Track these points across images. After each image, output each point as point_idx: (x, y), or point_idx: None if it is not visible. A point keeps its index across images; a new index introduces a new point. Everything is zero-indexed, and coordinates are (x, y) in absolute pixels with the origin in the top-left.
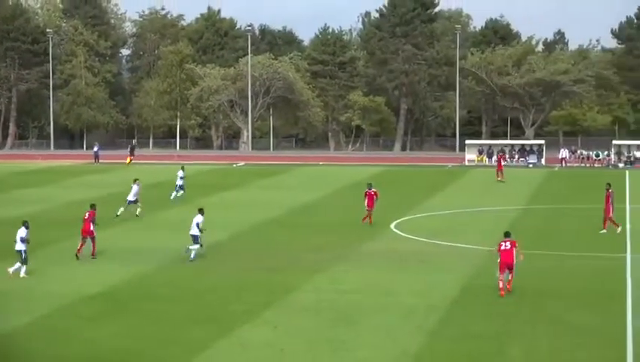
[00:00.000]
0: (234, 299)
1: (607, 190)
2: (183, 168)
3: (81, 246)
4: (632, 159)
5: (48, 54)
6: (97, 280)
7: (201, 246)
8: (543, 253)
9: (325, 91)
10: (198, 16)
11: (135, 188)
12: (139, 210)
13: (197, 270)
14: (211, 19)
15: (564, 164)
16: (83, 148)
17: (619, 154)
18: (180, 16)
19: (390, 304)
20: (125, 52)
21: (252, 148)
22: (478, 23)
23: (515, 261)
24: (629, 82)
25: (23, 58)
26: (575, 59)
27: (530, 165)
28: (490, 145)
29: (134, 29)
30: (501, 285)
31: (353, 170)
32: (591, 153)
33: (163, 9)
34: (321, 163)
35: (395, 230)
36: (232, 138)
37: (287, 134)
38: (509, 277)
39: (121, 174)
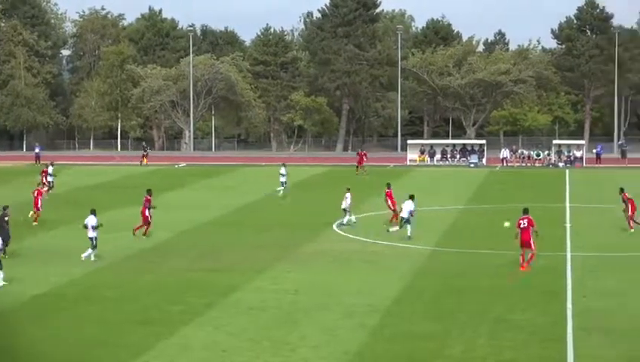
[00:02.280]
0: (176, 300)
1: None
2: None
3: (140, 227)
4: (571, 158)
5: None
6: (41, 281)
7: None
8: (483, 251)
9: (267, 92)
10: (139, 16)
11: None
12: None
13: (139, 271)
14: (152, 19)
15: (505, 164)
16: (23, 149)
17: (559, 153)
18: (121, 16)
19: (332, 303)
20: (65, 52)
21: (194, 149)
22: (419, 24)
23: (532, 239)
24: (568, 82)
25: None
26: (515, 60)
27: (472, 165)
28: (431, 145)
29: (74, 29)
30: (521, 260)
31: (295, 171)
32: (531, 153)
33: (103, 9)
34: (263, 163)
35: (336, 230)
36: (173, 139)
37: (229, 135)
38: (530, 255)
39: (61, 175)
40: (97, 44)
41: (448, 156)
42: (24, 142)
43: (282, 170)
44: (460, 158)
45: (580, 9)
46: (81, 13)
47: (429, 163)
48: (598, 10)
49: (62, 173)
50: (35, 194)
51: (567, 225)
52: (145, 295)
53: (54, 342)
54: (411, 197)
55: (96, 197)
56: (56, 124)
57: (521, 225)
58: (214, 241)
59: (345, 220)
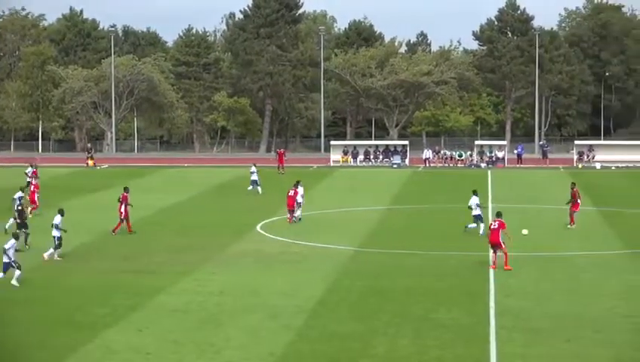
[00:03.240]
0: (99, 302)
1: (573, 188)
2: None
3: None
4: (493, 159)
5: None
6: None
7: (58, 246)
8: (407, 252)
9: (190, 92)
10: (60, 16)
11: None
12: None
13: (61, 272)
14: (73, 19)
15: (427, 164)
16: None
17: (481, 154)
18: (41, 17)
19: (256, 305)
20: None
21: (116, 150)
22: (341, 25)
23: (501, 240)
24: (490, 83)
25: None
26: (437, 61)
27: (395, 166)
28: (355, 146)
29: None
30: (492, 259)
31: (219, 172)
32: (454, 153)
33: (23, 9)
34: (186, 164)
35: (260, 231)
36: (95, 140)
37: (151, 136)
38: (504, 256)
39: None
40: (17, 44)
41: (371, 157)
42: None
43: (253, 169)
44: (383, 159)
45: (500, 10)
46: (1, 13)
47: (352, 163)
48: (518, 12)
49: None
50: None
51: (490, 226)
52: (68, 297)
53: None
54: (474, 193)
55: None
56: None
57: (492, 227)
58: (137, 243)
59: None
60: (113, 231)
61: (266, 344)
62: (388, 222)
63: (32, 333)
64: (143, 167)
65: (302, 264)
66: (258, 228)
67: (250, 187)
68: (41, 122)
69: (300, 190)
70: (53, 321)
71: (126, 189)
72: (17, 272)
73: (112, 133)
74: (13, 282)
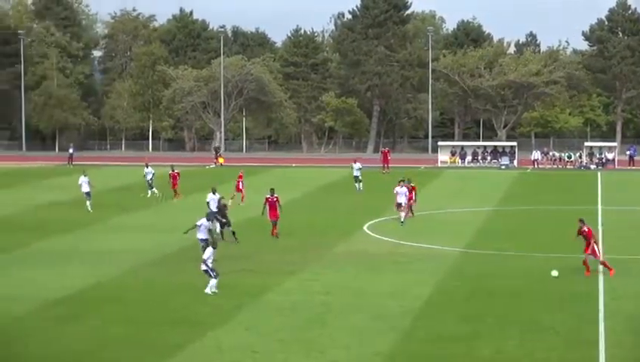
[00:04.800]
0: (206, 301)
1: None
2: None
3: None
4: (603, 160)
5: (20, 55)
6: (66, 284)
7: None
8: (514, 253)
9: (298, 93)
10: (170, 17)
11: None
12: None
13: (168, 272)
14: (183, 20)
15: (536, 166)
16: (55, 149)
17: (590, 155)
18: (152, 17)
19: (362, 305)
20: (97, 53)
21: (225, 150)
22: (450, 25)
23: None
24: (600, 84)
25: None
26: (546, 61)
27: (503, 167)
28: (462, 147)
29: (106, 31)
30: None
31: (326, 172)
32: (563, 155)
33: (134, 10)
34: (293, 164)
35: (367, 231)
36: (204, 140)
37: (259, 136)
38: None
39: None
40: (129, 45)
41: (479, 158)
42: (56, 142)
43: (356, 165)
44: (490, 160)
45: (611, 10)
46: (113, 14)
47: (460, 164)
48: (629, 12)
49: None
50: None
51: (600, 228)
52: (175, 296)
53: (83, 342)
54: None
55: (125, 198)
56: (88, 125)
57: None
58: (244, 243)
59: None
60: (273, 234)
61: (371, 344)
62: (495, 224)
63: (140, 331)
64: (251, 167)
65: (408, 265)
66: (365, 228)
67: (358, 185)
68: (151, 121)
69: (403, 190)
70: (160, 319)
71: (272, 191)
72: (213, 281)
73: (221, 132)
74: (207, 290)
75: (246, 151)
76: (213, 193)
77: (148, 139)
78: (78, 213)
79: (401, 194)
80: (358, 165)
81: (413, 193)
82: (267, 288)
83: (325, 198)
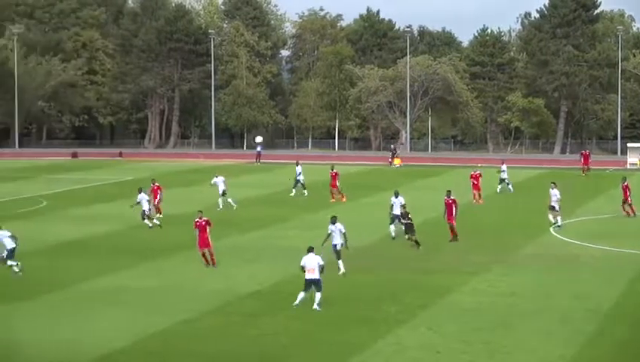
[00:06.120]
0: (389, 300)
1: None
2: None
3: None
4: None
5: (210, 55)
6: (257, 280)
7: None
8: None
9: (484, 92)
10: (357, 17)
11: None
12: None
13: (350, 270)
14: (370, 20)
15: None
16: (243, 147)
17: None
18: (339, 17)
19: (548, 308)
20: (285, 53)
21: (410, 150)
22: None
23: None
24: None
25: (185, 59)
26: None
27: None
28: None
29: (294, 30)
30: None
31: (511, 173)
32: None
33: (322, 10)
34: (479, 164)
35: (554, 233)
36: (390, 139)
37: (445, 135)
38: None
39: (283, 174)
40: (316, 44)
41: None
42: (244, 140)
43: (502, 167)
44: None
45: None
46: (301, 14)
47: None
48: None
49: (278, 172)
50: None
51: None
52: (359, 294)
53: (270, 338)
54: None
55: (310, 196)
56: (275, 124)
57: None
58: (427, 242)
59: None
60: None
61: (557, 347)
62: None
63: (323, 329)
64: (435, 167)
65: (595, 267)
66: (551, 229)
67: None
68: (337, 121)
69: (554, 191)
70: (342, 318)
71: (449, 193)
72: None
73: (406, 132)
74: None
75: (431, 150)
76: (396, 196)
77: (334, 138)
78: (270, 210)
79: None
80: (504, 167)
81: (628, 192)
82: (452, 288)
83: (510, 199)
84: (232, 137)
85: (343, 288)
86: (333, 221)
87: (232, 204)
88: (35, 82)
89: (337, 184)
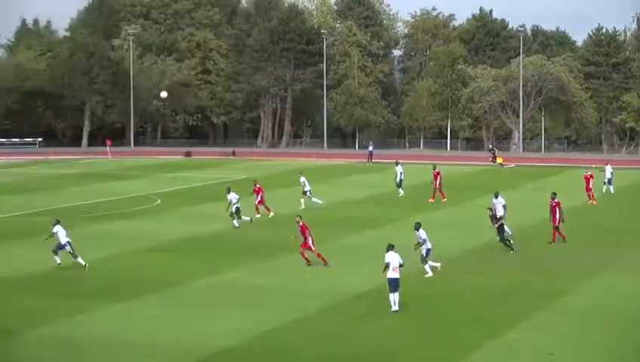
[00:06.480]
0: (500, 301)
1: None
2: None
3: None
4: None
5: (322, 55)
6: (369, 279)
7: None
8: None
9: (598, 92)
10: (470, 16)
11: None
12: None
13: (459, 271)
14: (483, 19)
15: None
16: (355, 147)
17: None
18: (452, 17)
19: None
20: (397, 52)
21: (523, 150)
22: None
23: None
24: None
25: (298, 58)
26: None
27: None
28: None
29: (406, 30)
30: None
31: (627, 174)
32: None
33: (434, 9)
34: (593, 165)
35: None
36: (502, 139)
37: (558, 136)
38: None
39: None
40: (428, 44)
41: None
42: (356, 140)
43: (608, 168)
44: None
45: None
46: (413, 14)
47: None
48: None
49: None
50: None
51: None
52: (469, 294)
53: (380, 338)
54: None
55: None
56: (387, 123)
57: None
58: (538, 243)
59: None
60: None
61: None
62: None
63: (433, 328)
64: (549, 167)
65: None
66: None
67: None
68: (449, 120)
69: None
70: (452, 317)
71: (553, 195)
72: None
73: (519, 132)
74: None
75: (545, 151)
76: (496, 197)
77: (446, 138)
78: (374, 210)
79: None
80: (609, 168)
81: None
82: (563, 290)
83: (628, 200)
84: (343, 137)
85: (451, 289)
86: (417, 227)
87: (319, 202)
88: (150, 82)
89: (439, 184)
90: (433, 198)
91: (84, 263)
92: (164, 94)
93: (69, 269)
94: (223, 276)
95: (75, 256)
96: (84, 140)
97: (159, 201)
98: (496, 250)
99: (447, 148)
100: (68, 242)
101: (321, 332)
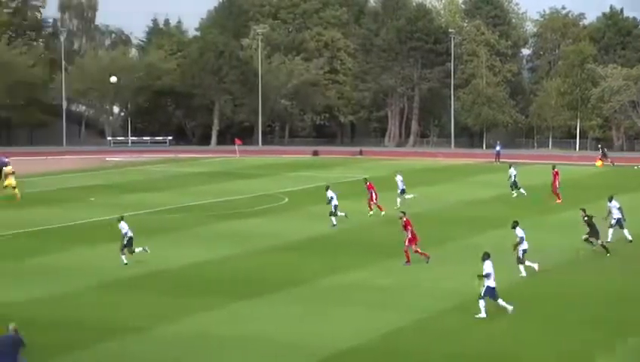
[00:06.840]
0: (624, 302)
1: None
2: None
3: None
4: None
5: (450, 54)
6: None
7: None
8: None
9: None
10: (600, 15)
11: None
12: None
13: (579, 271)
14: (613, 18)
15: None
16: (482, 147)
17: None
18: (581, 15)
19: None
20: (525, 52)
21: None
22: None
23: None
24: None
25: (425, 58)
26: None
27: None
28: None
29: (535, 29)
30: None
31: None
32: None
33: (564, 8)
34: None
35: None
36: (633, 139)
37: None
38: None
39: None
40: (557, 43)
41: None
42: (484, 140)
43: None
44: None
45: None
46: (542, 12)
47: None
48: None
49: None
50: None
51: None
52: (595, 295)
53: (506, 338)
54: None
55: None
56: (515, 123)
57: None
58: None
59: None
60: None
61: None
62: None
63: (562, 330)
64: None
65: None
66: None
67: None
68: (579, 120)
69: None
70: (580, 319)
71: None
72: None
73: None
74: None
75: None
76: (610, 201)
77: (575, 137)
78: (506, 210)
79: None
80: None
81: None
82: None
83: None
84: (471, 136)
85: (574, 289)
86: (514, 226)
87: (409, 197)
88: (278, 81)
89: (557, 184)
90: (559, 199)
91: (125, 261)
92: (113, 79)
93: (191, 267)
94: (346, 275)
95: (123, 251)
96: (213, 139)
97: (286, 200)
98: (616, 251)
99: (576, 149)
100: (130, 237)
101: (448, 331)
